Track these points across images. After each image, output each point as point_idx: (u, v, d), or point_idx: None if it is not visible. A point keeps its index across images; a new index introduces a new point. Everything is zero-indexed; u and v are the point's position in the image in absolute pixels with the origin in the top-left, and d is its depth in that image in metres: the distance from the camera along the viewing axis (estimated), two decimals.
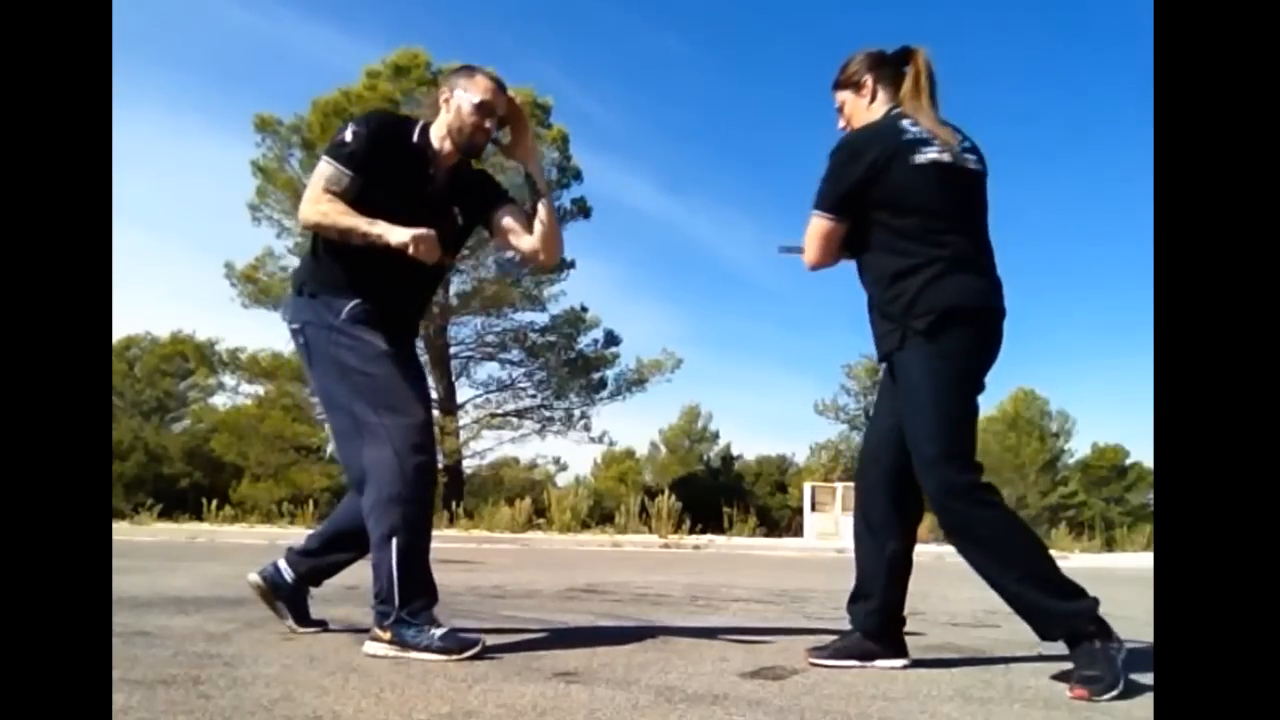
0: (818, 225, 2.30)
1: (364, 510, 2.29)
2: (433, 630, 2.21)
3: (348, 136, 2.33)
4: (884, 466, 2.32)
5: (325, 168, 2.33)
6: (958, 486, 2.12)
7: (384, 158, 2.36)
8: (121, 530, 12.95)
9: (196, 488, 22.30)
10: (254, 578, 2.60)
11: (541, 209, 2.54)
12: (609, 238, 45.74)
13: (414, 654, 2.18)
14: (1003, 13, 41.20)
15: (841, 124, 2.43)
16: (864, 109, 2.38)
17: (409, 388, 2.36)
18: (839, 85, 2.42)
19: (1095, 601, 2.05)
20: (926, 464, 2.15)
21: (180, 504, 20.38)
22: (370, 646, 2.25)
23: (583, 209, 20.45)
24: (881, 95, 2.36)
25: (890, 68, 2.37)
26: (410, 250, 2.27)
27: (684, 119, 42.70)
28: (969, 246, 2.24)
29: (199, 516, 18.32)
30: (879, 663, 2.27)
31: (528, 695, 1.77)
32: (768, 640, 2.78)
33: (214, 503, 18.26)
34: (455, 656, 2.16)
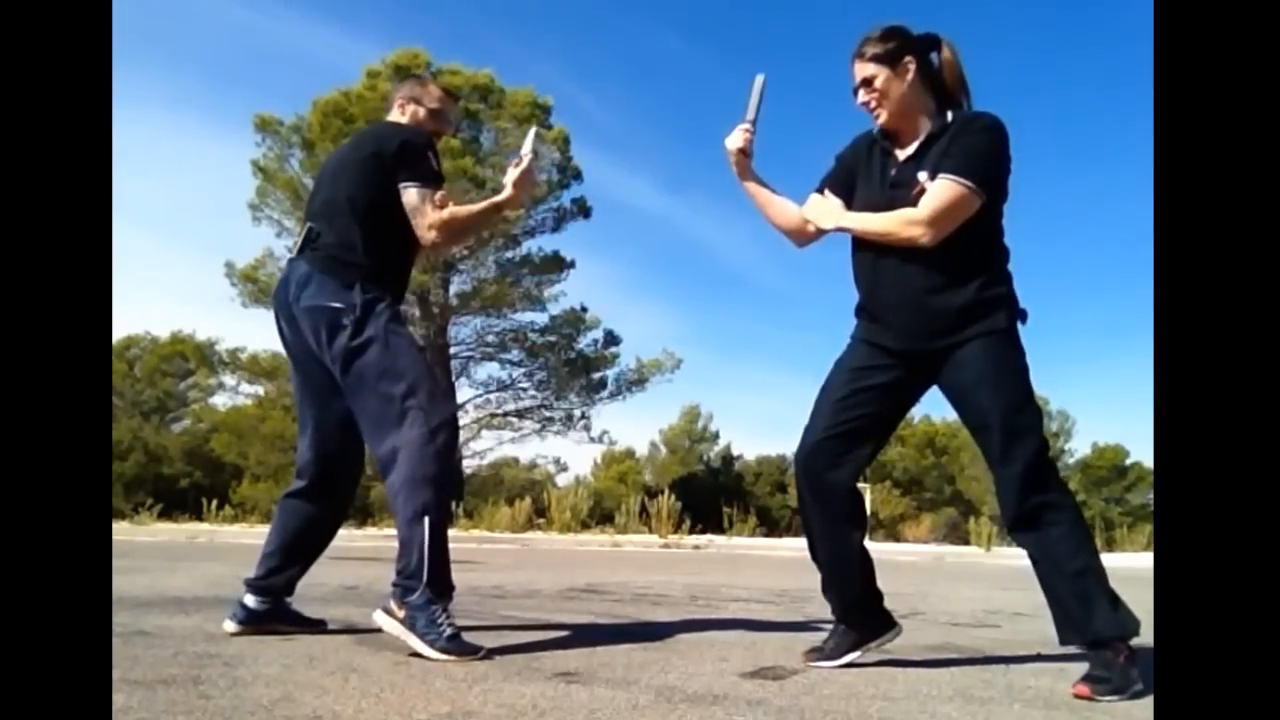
0: (963, 196, 2.13)
1: (390, 488, 2.34)
2: (444, 626, 2.23)
3: (434, 164, 2.54)
4: (851, 458, 2.27)
5: (425, 192, 2.48)
6: (1051, 476, 2.14)
7: None
8: (121, 530, 12.95)
9: (196, 488, 22.30)
10: (230, 626, 2.55)
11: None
12: (609, 238, 45.71)
13: (416, 644, 2.20)
14: (1003, 12, 41.19)
15: (871, 101, 2.25)
16: (904, 93, 2.23)
17: (439, 381, 2.50)
18: (876, 59, 2.23)
19: (1138, 622, 2.04)
20: (1021, 452, 2.11)
21: (180, 504, 20.38)
22: (379, 618, 2.29)
23: (583, 209, 20.45)
24: (921, 79, 2.24)
25: (926, 54, 2.27)
26: (519, 187, 2.56)
27: (684, 119, 42.67)
28: None
29: (199, 516, 18.32)
30: (874, 642, 2.30)
31: (528, 695, 1.77)
32: (768, 640, 2.78)
33: (214, 503, 18.26)
34: (454, 659, 2.17)
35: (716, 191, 44.37)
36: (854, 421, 2.26)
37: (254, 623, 2.55)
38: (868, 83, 2.25)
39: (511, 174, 2.58)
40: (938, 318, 2.19)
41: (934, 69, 2.27)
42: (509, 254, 20.44)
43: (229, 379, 22.34)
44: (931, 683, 2.08)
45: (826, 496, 2.28)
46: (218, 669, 1.96)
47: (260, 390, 21.79)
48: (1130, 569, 10.58)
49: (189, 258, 43.30)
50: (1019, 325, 2.21)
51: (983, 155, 2.17)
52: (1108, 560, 2.24)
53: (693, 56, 42.80)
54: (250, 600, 2.57)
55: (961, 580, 7.13)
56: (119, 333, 27.30)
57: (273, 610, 2.59)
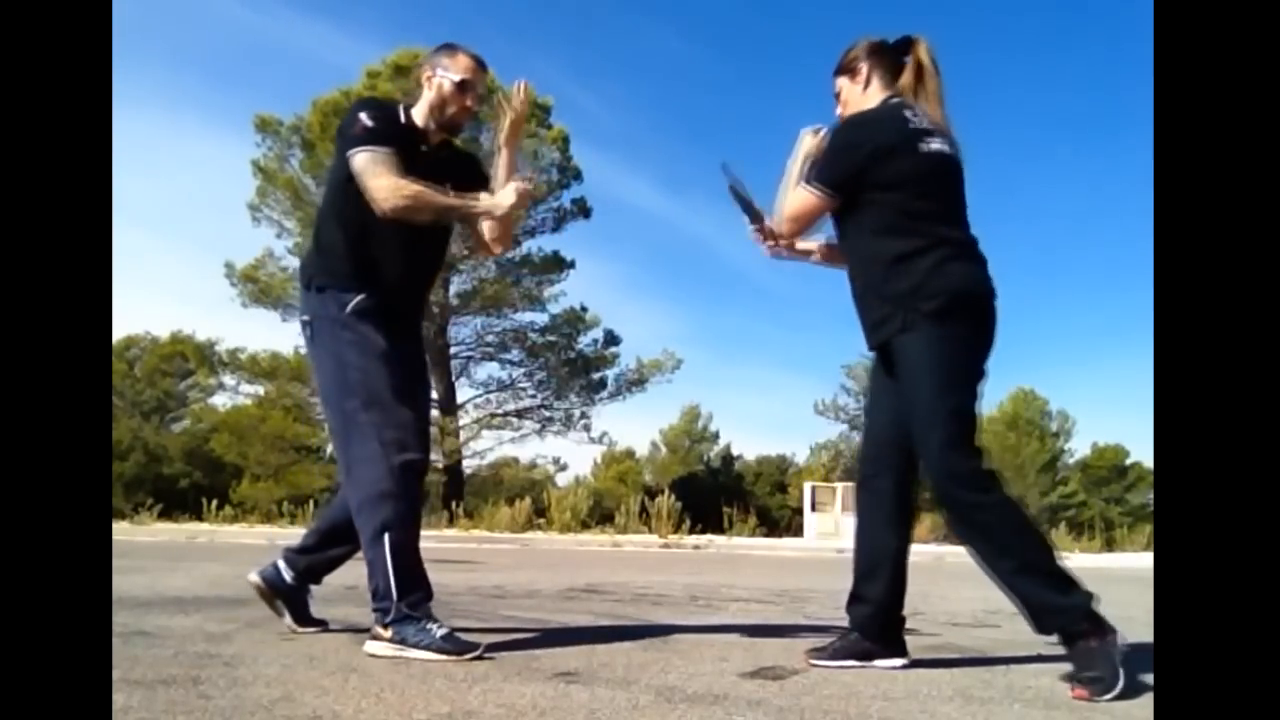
0: (810, 200, 2.29)
1: (352, 509, 2.29)
2: (434, 629, 2.21)
3: (367, 122, 2.34)
4: (885, 464, 2.32)
5: (370, 155, 2.29)
6: (963, 473, 2.12)
7: (395, 135, 2.40)
8: (121, 530, 12.95)
9: (196, 488, 22.32)
10: (254, 577, 2.60)
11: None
12: (609, 238, 45.76)
13: (414, 653, 2.17)
14: (1005, 11, 41.19)
15: (839, 109, 2.43)
16: (859, 95, 2.38)
17: (402, 385, 2.36)
18: (838, 71, 2.42)
19: (1091, 596, 2.05)
20: (931, 449, 2.14)
21: (180, 504, 20.38)
22: (371, 646, 2.24)
23: (583, 209, 20.44)
24: (876, 83, 2.36)
25: (889, 57, 2.38)
26: (514, 207, 2.41)
27: (684, 119, 42.70)
28: (967, 236, 2.28)
29: (199, 516, 18.32)
30: (879, 662, 2.26)
31: (528, 695, 1.77)
32: (768, 640, 2.78)
33: (214, 503, 18.26)
34: (455, 658, 2.16)
35: (716, 191, 44.21)
36: (892, 425, 2.30)
37: (270, 587, 2.58)
38: (837, 97, 2.44)
39: (515, 185, 2.43)
40: (865, 317, 2.31)
41: (900, 70, 2.37)
42: (509, 254, 20.45)
43: (229, 379, 22.30)
44: (931, 683, 2.08)
45: (873, 500, 2.33)
46: (218, 669, 1.96)
47: (260, 390, 21.77)
48: (1130, 569, 10.57)
49: (189, 258, 43.31)
50: (934, 318, 2.15)
51: (827, 156, 2.29)
52: (1108, 560, 2.24)
53: (693, 56, 42.80)
54: (281, 564, 2.59)
55: (961, 580, 7.13)
56: (119, 333, 27.32)
57: (292, 590, 2.60)
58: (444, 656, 2.16)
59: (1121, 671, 1.95)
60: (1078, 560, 13.65)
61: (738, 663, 2.28)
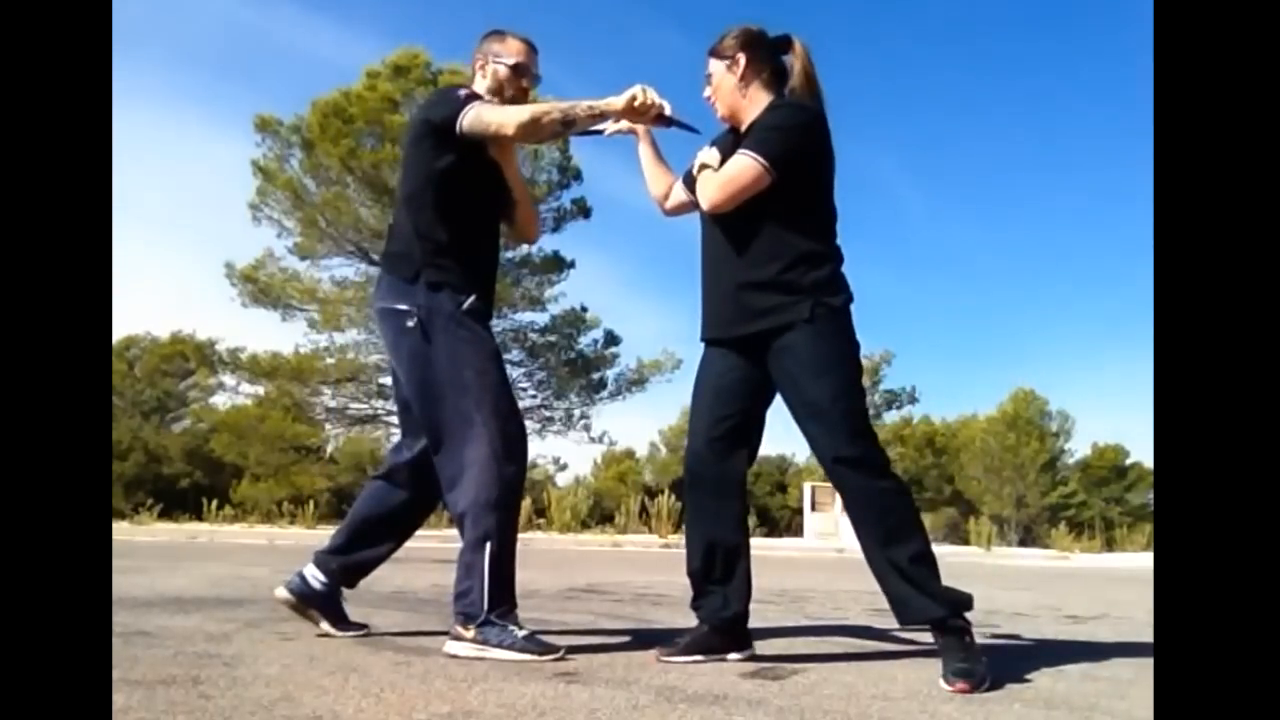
0: (755, 169, 2.19)
1: (456, 508, 2.28)
2: (516, 631, 2.22)
3: (462, 92, 2.38)
4: (733, 461, 2.33)
5: (484, 106, 2.32)
6: (874, 458, 2.18)
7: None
8: (121, 530, 12.95)
9: (196, 488, 22.35)
10: (281, 593, 2.48)
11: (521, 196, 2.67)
12: (609, 238, 45.86)
13: (496, 653, 2.17)
14: (1006, 10, 41.15)
15: (707, 93, 2.40)
16: (732, 86, 2.35)
17: (510, 393, 2.38)
18: (712, 53, 2.39)
19: (970, 596, 2.16)
20: (841, 436, 2.17)
21: (180, 504, 20.41)
22: (452, 646, 2.23)
23: (583, 209, 20.45)
24: (758, 81, 2.34)
25: (765, 51, 2.36)
26: (640, 102, 2.31)
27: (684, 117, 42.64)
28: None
29: (199, 516, 18.34)
30: (732, 654, 2.29)
31: (528, 695, 1.77)
32: (768, 640, 2.78)
33: (214, 503, 18.28)
34: (538, 659, 2.17)
35: None
36: (730, 420, 2.32)
37: (301, 597, 2.47)
38: (708, 79, 2.41)
39: (643, 97, 2.32)
40: (744, 305, 2.27)
41: (779, 67, 2.36)
42: (509, 254, 20.45)
43: (229, 379, 22.31)
44: (931, 683, 2.08)
45: (717, 491, 2.33)
46: (218, 669, 1.96)
47: (260, 390, 21.79)
48: (1130, 569, 10.59)
49: (189, 258, 43.33)
50: (841, 312, 2.24)
51: (774, 131, 2.23)
52: (1108, 560, 2.25)
53: (693, 56, 42.74)
54: (308, 571, 2.48)
55: (961, 580, 7.12)
56: (119, 333, 27.32)
57: (323, 596, 2.48)
58: (528, 657, 2.17)
59: (988, 674, 2.02)
60: (1078, 560, 13.65)
61: (738, 663, 2.28)
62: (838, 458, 2.17)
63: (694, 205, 2.44)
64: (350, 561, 2.52)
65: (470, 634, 2.22)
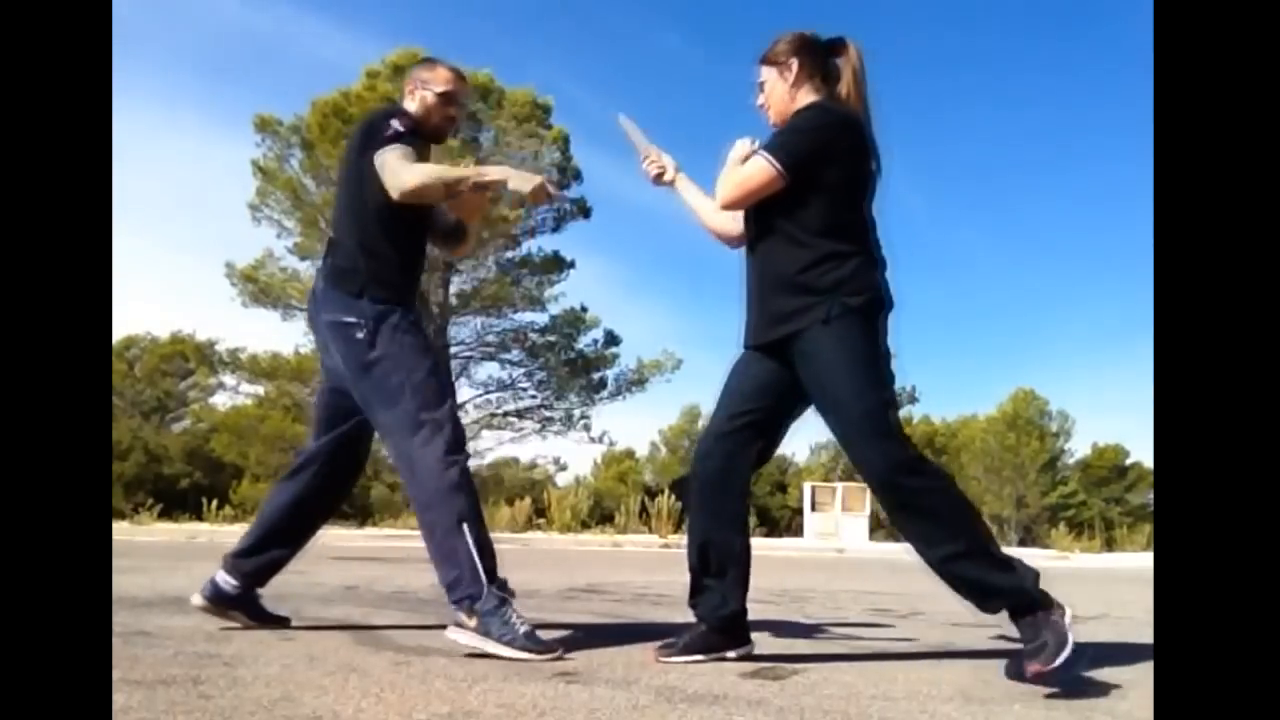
0: (767, 172, 2.19)
1: (420, 500, 2.35)
2: (519, 626, 2.23)
3: (399, 126, 2.45)
4: (739, 459, 2.31)
5: (394, 149, 2.41)
6: (906, 461, 2.14)
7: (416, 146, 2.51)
8: (121, 530, 12.95)
9: (196, 488, 22.34)
10: (197, 600, 2.59)
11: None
12: (609, 238, 45.84)
13: (494, 647, 2.19)
14: (1007, 9, 41.16)
15: (760, 100, 2.39)
16: (785, 92, 2.33)
17: (452, 394, 2.53)
18: (764, 61, 2.37)
19: (1035, 573, 2.08)
20: (869, 439, 2.14)
21: (180, 504, 20.40)
22: (453, 633, 2.25)
23: (583, 209, 20.45)
24: (808, 84, 2.32)
25: (819, 56, 2.34)
26: (531, 190, 2.42)
27: (684, 119, 42.65)
28: (880, 253, 2.31)
29: (199, 516, 18.33)
30: (731, 652, 2.27)
31: (528, 695, 1.77)
32: (768, 640, 2.78)
33: (214, 503, 18.27)
34: (536, 658, 2.17)
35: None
36: (745, 417, 2.30)
37: (217, 602, 2.58)
38: (760, 86, 2.39)
39: (542, 179, 2.49)
40: (770, 309, 2.26)
41: (831, 71, 2.34)
42: (509, 254, 20.45)
43: (229, 379, 22.34)
44: (931, 683, 2.08)
45: (720, 490, 2.31)
46: (218, 669, 1.96)
47: (260, 390, 21.79)
48: (1130, 569, 10.58)
49: (189, 258, 43.33)
50: (860, 313, 2.18)
51: (792, 134, 2.22)
52: (1108, 560, 2.24)
53: (692, 56, 42.78)
54: (219, 577, 2.59)
55: None
56: (119, 333, 27.32)
57: (239, 597, 2.60)
58: (526, 655, 2.17)
59: (1070, 638, 1.97)
60: (1078, 560, 13.64)
61: (738, 663, 2.28)
62: (862, 460, 2.15)
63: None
64: (263, 561, 2.63)
65: (473, 622, 2.23)
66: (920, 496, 2.13)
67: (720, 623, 2.29)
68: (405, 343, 2.43)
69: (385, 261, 2.49)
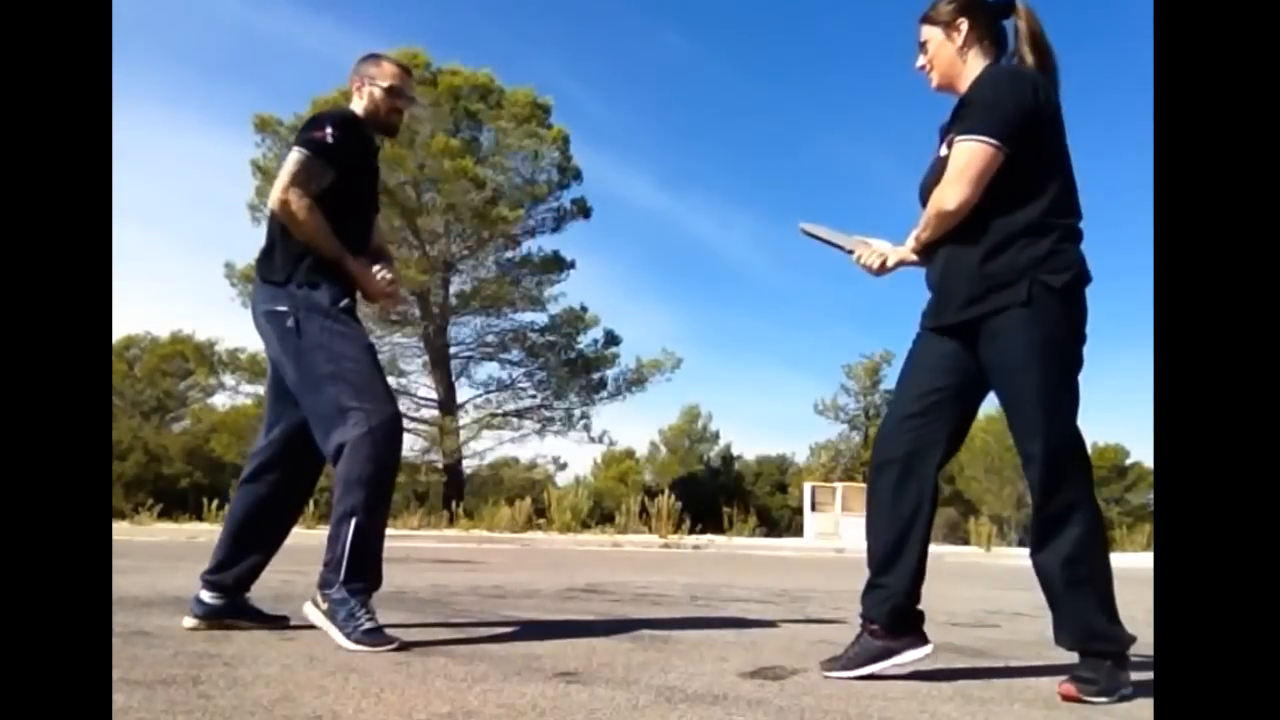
0: (985, 154, 2.00)
1: (336, 488, 2.39)
2: (362, 620, 2.30)
3: (329, 138, 2.49)
4: (923, 445, 2.13)
5: (306, 162, 2.46)
6: (1079, 468, 2.01)
7: (354, 154, 2.57)
8: (121, 530, 12.95)
9: (196, 488, 22.32)
10: (189, 622, 2.57)
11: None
12: (609, 238, 45.87)
13: (333, 633, 2.31)
14: None
15: (922, 62, 2.22)
16: (952, 54, 2.16)
17: (387, 383, 2.53)
18: (926, 19, 2.20)
19: (1133, 638, 1.98)
20: (1048, 438, 1.98)
21: (180, 504, 20.39)
22: (308, 609, 2.41)
23: (583, 209, 20.46)
24: (977, 45, 2.15)
25: (986, 15, 2.16)
26: (384, 302, 2.62)
27: (684, 117, 42.72)
28: (1078, 221, 2.10)
29: (199, 516, 18.33)
30: (906, 655, 2.11)
31: (528, 695, 1.77)
32: (768, 640, 2.78)
33: (214, 503, 18.27)
34: (370, 650, 2.23)
35: (716, 191, 44.38)
36: (931, 396, 2.14)
37: (210, 618, 2.57)
38: (923, 46, 2.22)
39: (399, 294, 2.60)
40: (956, 290, 2.09)
41: (999, 32, 2.17)
42: (509, 254, 20.46)
43: (229, 379, 22.31)
44: (931, 683, 2.08)
45: (897, 482, 2.14)
46: (218, 669, 1.96)
47: (260, 390, 21.77)
48: (1130, 569, 10.58)
49: (189, 258, 43.34)
50: (1055, 290, 1.99)
51: (988, 107, 2.03)
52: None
53: (693, 56, 42.79)
54: (204, 595, 2.58)
55: (961, 580, 7.13)
56: (119, 333, 27.31)
57: (229, 606, 2.60)
58: (359, 648, 2.24)
59: (1119, 693, 1.91)
60: None
61: (738, 663, 2.28)
62: (1048, 462, 1.99)
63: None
64: (242, 571, 2.62)
65: (324, 606, 2.36)
66: (1076, 508, 1.99)
67: (886, 619, 2.12)
68: (335, 329, 2.45)
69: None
